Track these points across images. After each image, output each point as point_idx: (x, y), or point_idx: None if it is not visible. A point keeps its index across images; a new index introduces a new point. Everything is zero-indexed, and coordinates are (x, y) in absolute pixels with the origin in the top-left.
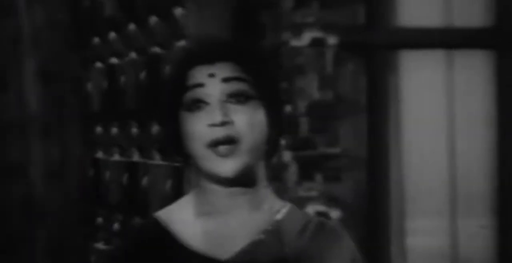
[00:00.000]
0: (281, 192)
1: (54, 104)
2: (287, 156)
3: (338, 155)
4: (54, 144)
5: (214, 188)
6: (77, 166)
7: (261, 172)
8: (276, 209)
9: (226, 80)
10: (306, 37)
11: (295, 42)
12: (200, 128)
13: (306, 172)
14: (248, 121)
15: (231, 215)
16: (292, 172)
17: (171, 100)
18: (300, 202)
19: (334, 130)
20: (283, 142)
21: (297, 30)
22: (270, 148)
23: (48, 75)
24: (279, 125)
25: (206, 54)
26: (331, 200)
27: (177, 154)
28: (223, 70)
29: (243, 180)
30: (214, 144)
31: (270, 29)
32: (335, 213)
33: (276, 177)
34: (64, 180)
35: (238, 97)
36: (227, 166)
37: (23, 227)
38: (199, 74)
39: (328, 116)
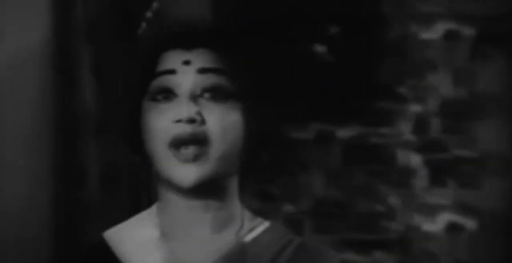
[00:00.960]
0: (409, 199)
1: (107, 101)
2: (416, 159)
3: (475, 159)
4: (109, 145)
5: (175, 199)
6: (129, 169)
7: (233, 185)
8: (248, 229)
9: (202, 70)
10: (438, 29)
11: (425, 34)
12: (164, 122)
13: (437, 177)
14: (223, 123)
15: (191, 235)
16: (421, 177)
17: (136, 86)
18: (430, 210)
19: (471, 131)
20: (264, 154)
21: (427, 20)
22: (245, 159)
23: (102, 70)
24: (259, 133)
25: (183, 37)
26: (466, 209)
27: (133, 152)
28: (200, 58)
29: (209, 192)
30: (177, 144)
31: (395, 20)
32: (470, 223)
33: (404, 183)
34: (118, 184)
35: (214, 93)
36: (189, 174)
37: (80, 231)
38: (172, 59)
39: (463, 115)
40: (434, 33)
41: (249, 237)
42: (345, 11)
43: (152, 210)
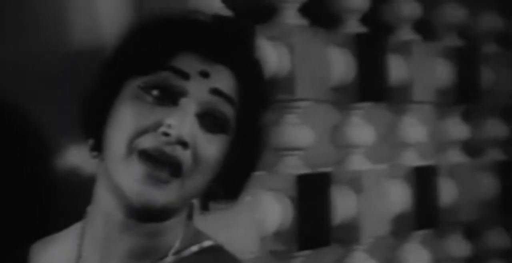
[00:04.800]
0: None
1: None
2: None
3: None
4: None
5: (109, 210)
6: None
7: (184, 209)
8: (176, 250)
9: (216, 92)
10: None
11: None
12: (144, 123)
13: None
14: (208, 156)
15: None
16: None
17: (135, 62)
18: None
19: None
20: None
21: None
22: (204, 197)
23: None
24: (230, 175)
25: (209, 43)
26: None
27: (85, 133)
28: (218, 76)
29: (154, 216)
30: (148, 157)
31: None
32: None
33: None
34: None
35: (216, 121)
36: (145, 194)
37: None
38: (189, 63)
39: None
40: None
41: (168, 260)
42: None
43: (85, 219)
